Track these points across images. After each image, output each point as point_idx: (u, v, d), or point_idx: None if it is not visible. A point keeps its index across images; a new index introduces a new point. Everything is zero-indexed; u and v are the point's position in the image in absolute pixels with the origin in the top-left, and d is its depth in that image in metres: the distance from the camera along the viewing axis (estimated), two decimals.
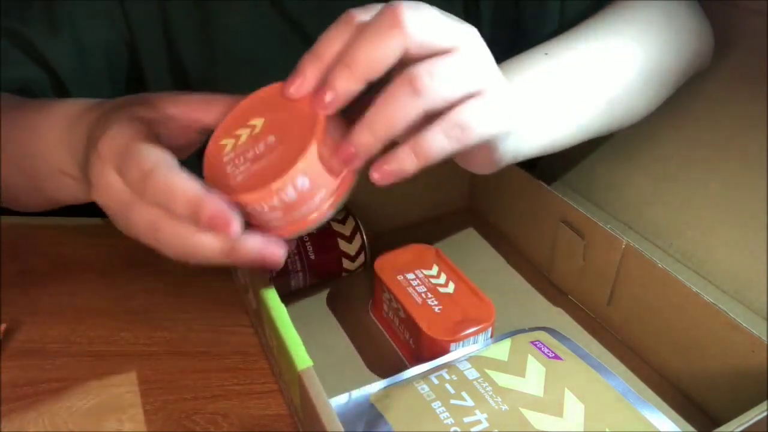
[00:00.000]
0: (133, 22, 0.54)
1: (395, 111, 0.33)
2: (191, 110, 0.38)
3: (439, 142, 0.35)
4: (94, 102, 0.42)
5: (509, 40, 0.59)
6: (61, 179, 0.43)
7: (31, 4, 0.53)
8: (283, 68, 0.61)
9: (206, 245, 0.33)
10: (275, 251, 0.34)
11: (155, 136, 0.36)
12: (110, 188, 0.34)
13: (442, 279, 0.50)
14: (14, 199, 0.52)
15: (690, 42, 0.54)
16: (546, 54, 0.46)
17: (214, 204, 0.32)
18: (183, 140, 0.39)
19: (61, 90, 0.54)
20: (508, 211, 0.60)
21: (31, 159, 0.44)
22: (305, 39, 0.57)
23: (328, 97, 0.33)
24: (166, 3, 0.54)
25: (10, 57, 0.52)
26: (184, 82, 0.57)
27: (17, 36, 0.52)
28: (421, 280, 0.50)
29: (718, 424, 0.35)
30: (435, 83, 0.33)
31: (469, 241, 0.63)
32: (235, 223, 0.32)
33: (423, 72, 0.33)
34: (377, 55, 0.33)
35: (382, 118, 0.33)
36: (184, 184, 0.32)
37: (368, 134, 0.34)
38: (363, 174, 0.36)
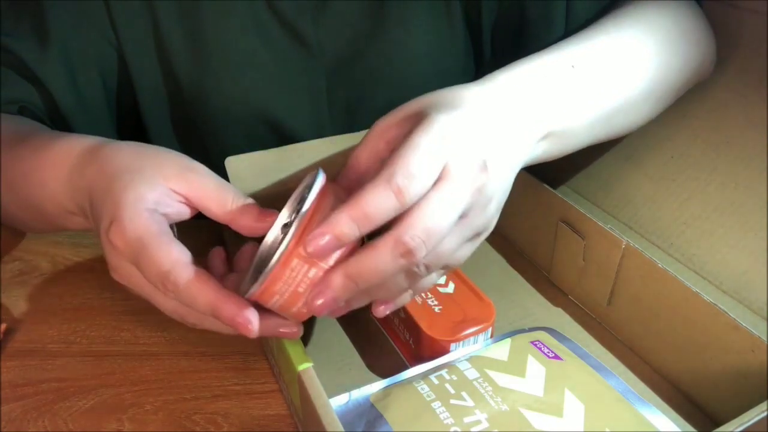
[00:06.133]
0: (120, 26, 0.54)
1: (380, 270, 0.33)
2: (202, 198, 0.38)
3: (434, 279, 0.39)
4: (90, 145, 0.42)
5: (511, 45, 0.58)
6: (69, 217, 0.44)
7: (21, 19, 0.52)
8: (276, 70, 0.61)
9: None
10: (292, 330, 0.37)
11: (164, 221, 0.37)
12: (130, 277, 0.37)
13: (442, 279, 0.50)
14: (20, 225, 0.52)
15: (694, 51, 0.53)
16: (573, 67, 0.45)
17: (231, 309, 0.34)
18: (185, 214, 0.39)
19: (54, 107, 0.53)
20: (509, 211, 0.59)
21: (38, 199, 0.45)
22: (299, 40, 0.57)
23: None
24: (154, 3, 0.54)
25: (4, 78, 0.52)
26: (175, 85, 0.57)
27: (8, 53, 0.52)
28: None
29: (718, 424, 0.35)
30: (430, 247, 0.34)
31: None
32: (253, 324, 0.35)
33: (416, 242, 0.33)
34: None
35: (365, 272, 0.34)
36: (202, 288, 0.34)
37: (349, 283, 0.34)
38: None
